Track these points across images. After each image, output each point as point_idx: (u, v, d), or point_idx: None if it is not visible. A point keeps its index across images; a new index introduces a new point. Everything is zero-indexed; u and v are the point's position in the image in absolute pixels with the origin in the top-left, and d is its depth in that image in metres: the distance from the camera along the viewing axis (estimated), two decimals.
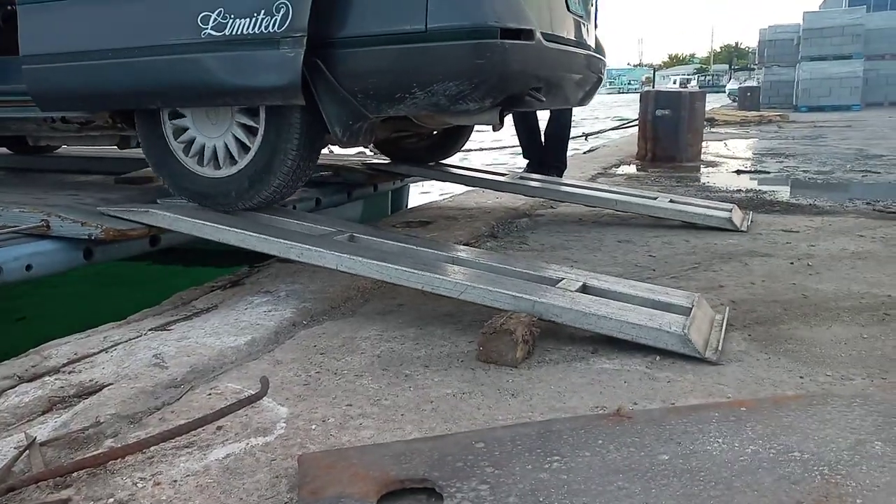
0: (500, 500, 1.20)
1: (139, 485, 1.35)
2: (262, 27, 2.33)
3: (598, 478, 1.27)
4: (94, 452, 1.47)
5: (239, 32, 2.36)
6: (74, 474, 1.38)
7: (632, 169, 7.00)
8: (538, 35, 2.50)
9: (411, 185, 5.33)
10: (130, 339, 2.23)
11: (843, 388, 1.76)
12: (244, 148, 2.70)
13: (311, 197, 3.55)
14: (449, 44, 2.25)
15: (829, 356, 1.97)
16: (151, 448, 1.48)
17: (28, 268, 2.40)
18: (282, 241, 2.36)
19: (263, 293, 2.63)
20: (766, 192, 5.25)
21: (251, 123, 2.67)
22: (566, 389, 1.76)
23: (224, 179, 2.73)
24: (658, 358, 1.96)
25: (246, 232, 2.41)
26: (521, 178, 4.41)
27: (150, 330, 2.32)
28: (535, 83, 2.53)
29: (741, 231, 3.77)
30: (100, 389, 1.83)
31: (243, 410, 1.65)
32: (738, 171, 6.64)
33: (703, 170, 6.87)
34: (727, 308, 2.34)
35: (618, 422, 1.50)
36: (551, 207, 4.69)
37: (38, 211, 2.53)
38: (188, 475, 1.38)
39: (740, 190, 5.42)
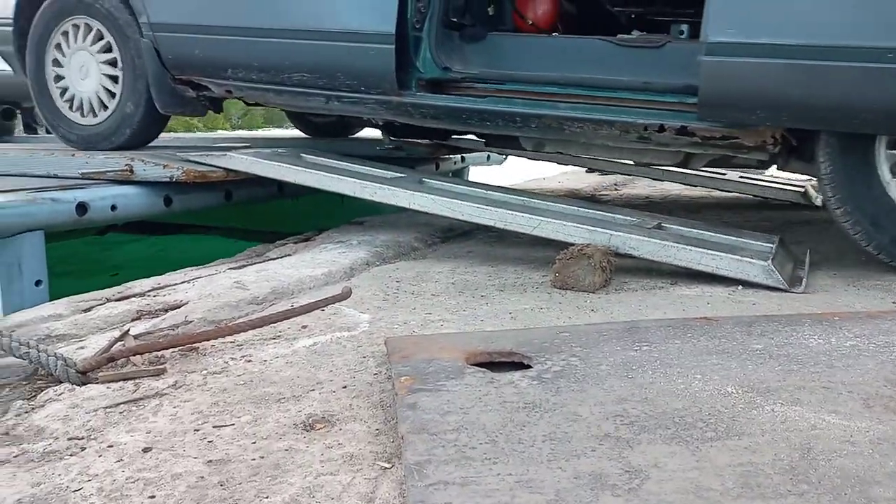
0: (593, 367, 1.18)
1: (230, 363, 1.39)
2: None
3: (691, 357, 1.25)
4: (188, 333, 1.51)
5: None
6: (168, 353, 1.43)
7: None
8: None
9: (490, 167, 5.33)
10: (210, 275, 2.29)
11: None
12: None
13: None
14: None
15: None
16: (240, 337, 1.52)
17: (113, 207, 2.49)
18: (356, 180, 2.40)
19: (336, 242, 2.66)
20: None
21: None
22: (648, 307, 1.74)
23: None
24: (740, 288, 1.91)
25: (322, 173, 2.46)
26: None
27: (228, 269, 2.38)
28: None
29: (817, 206, 3.66)
30: (185, 304, 1.88)
31: (325, 314, 1.68)
32: None
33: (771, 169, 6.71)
34: (809, 250, 2.27)
35: (706, 322, 1.47)
36: (615, 189, 4.65)
37: (122, 157, 2.63)
38: (277, 357, 1.41)
39: (811, 179, 5.26)
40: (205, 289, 2.04)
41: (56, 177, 2.71)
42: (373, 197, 2.36)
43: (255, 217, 4.09)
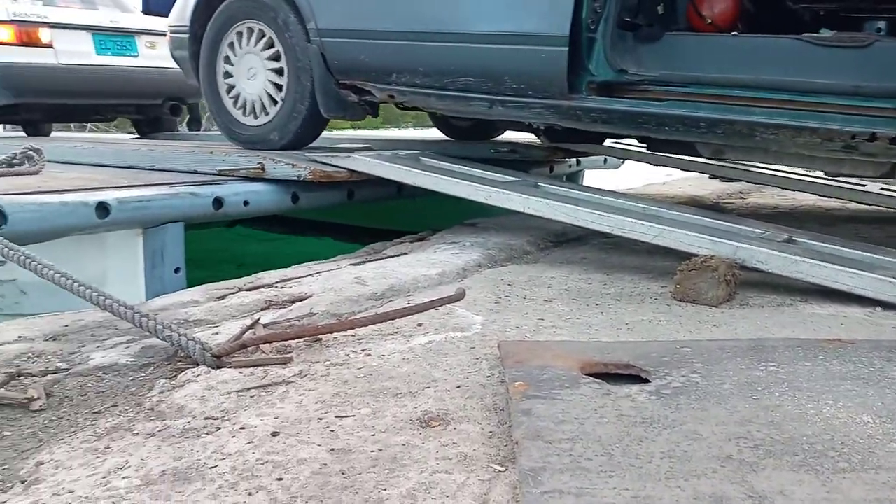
0: (715, 386, 1.15)
1: (351, 356, 1.45)
2: None
3: (822, 381, 1.18)
4: (312, 325, 1.59)
5: None
6: (294, 343, 1.51)
7: None
8: None
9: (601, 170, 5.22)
10: (332, 270, 2.39)
11: None
12: None
13: None
14: None
15: None
16: (360, 331, 1.58)
17: (245, 203, 2.65)
18: (472, 184, 2.43)
19: (450, 243, 2.71)
20: None
21: None
22: (775, 325, 1.65)
23: None
24: (879, 309, 1.78)
25: (439, 176, 2.51)
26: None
27: (348, 265, 2.48)
28: None
29: None
30: (309, 297, 1.98)
31: (439, 314, 1.72)
32: None
33: None
34: None
35: (839, 345, 1.38)
36: (741, 198, 4.44)
37: (255, 156, 2.80)
38: (394, 353, 1.46)
39: None
40: (327, 283, 2.13)
41: (196, 172, 2.91)
42: (487, 200, 2.38)
43: (371, 215, 4.22)
